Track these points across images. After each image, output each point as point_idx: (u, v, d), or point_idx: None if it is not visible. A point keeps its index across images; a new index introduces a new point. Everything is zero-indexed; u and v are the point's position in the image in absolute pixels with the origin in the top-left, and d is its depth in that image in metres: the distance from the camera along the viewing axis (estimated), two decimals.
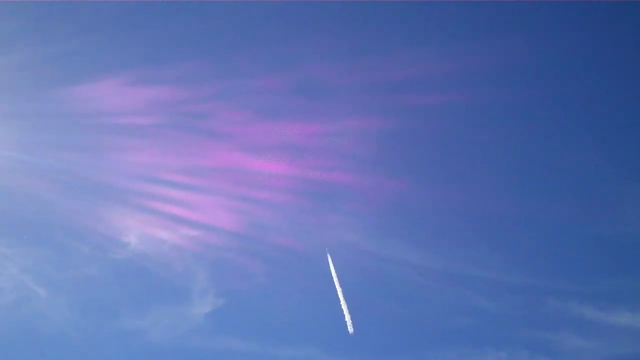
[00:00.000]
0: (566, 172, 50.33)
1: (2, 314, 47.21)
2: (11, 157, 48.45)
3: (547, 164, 50.66)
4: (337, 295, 46.87)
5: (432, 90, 49.78)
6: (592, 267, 48.42)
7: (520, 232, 50.39)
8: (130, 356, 47.59)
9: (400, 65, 49.17)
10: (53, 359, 46.84)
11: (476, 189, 50.94)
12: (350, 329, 45.45)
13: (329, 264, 47.96)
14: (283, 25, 50.18)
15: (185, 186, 50.04)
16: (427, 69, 49.07)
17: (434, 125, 50.87)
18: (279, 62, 50.01)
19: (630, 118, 49.61)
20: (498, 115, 51.08)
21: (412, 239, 50.85)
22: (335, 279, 47.44)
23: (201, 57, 49.75)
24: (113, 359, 47.38)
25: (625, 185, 48.89)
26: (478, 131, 50.97)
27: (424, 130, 51.10)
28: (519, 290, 48.24)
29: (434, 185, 51.44)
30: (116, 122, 49.48)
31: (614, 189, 49.17)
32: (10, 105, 48.16)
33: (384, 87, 50.29)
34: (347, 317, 45.85)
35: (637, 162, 48.80)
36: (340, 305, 46.50)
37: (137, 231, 49.71)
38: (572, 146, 50.41)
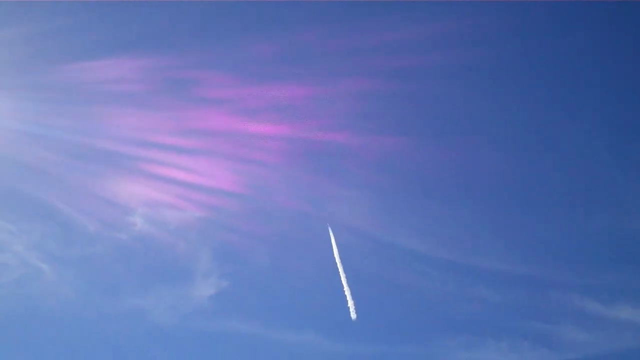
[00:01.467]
0: (571, 165, 50.41)
1: (7, 291, 47.49)
2: (14, 129, 48.29)
3: (552, 157, 50.62)
4: (341, 280, 46.95)
5: (428, 51, 49.56)
6: (595, 261, 48.50)
7: (524, 223, 50.48)
8: (132, 335, 48.05)
9: (392, 26, 48.92)
10: (57, 336, 47.36)
11: (481, 180, 51.03)
12: (353, 314, 45.61)
13: (331, 243, 47.98)
14: None
15: (184, 150, 50.36)
16: (421, 29, 48.78)
17: (433, 89, 50.85)
18: (269, 26, 49.91)
19: (634, 110, 49.46)
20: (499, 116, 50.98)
21: (415, 226, 50.98)
22: (336, 256, 47.46)
23: (190, 24, 50.01)
24: (116, 338, 47.70)
25: (630, 179, 48.95)
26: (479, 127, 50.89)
27: (421, 96, 51.14)
28: (522, 282, 48.43)
29: (437, 174, 51.41)
30: (113, 90, 49.34)
31: (619, 183, 49.18)
32: (10, 78, 48.05)
33: (378, 49, 49.83)
34: (350, 303, 45.99)
35: None
36: (344, 290, 46.59)
37: (142, 211, 49.81)
38: (576, 140, 50.41)
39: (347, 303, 46.15)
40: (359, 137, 50.96)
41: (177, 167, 50.00)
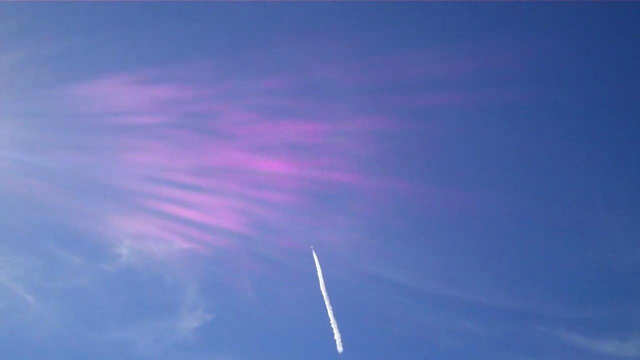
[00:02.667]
0: (557, 199, 50.57)
1: None
2: (8, 158, 48.35)
3: (538, 192, 50.92)
4: (327, 313, 46.82)
5: (437, 91, 49.83)
6: (581, 294, 48.47)
7: (510, 257, 50.49)
8: None
9: (404, 66, 49.41)
10: None
11: (467, 213, 51.17)
12: (340, 347, 45.40)
13: (318, 276, 47.95)
14: (289, 25, 49.97)
15: (189, 186, 50.15)
16: (430, 70, 49.17)
17: (435, 128, 50.97)
18: (285, 63, 50.06)
19: (623, 145, 49.97)
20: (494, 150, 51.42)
21: (399, 258, 50.94)
22: (323, 289, 47.39)
23: (207, 57, 49.72)
24: None
25: (615, 213, 49.10)
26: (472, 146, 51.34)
27: (422, 134, 51.21)
28: (508, 315, 48.40)
29: (423, 206, 51.55)
30: (119, 122, 49.33)
31: (604, 217, 49.30)
32: (11, 104, 48.03)
33: (389, 88, 50.39)
34: (337, 336, 45.79)
35: (627, 189, 48.99)
36: (330, 323, 46.45)
37: (129, 243, 49.80)
38: (562, 175, 50.76)
39: (333, 336, 46.01)
40: (364, 177, 51.35)
41: (168, 201, 50.01)
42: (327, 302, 47.18)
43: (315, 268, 48.19)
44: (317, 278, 47.98)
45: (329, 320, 46.60)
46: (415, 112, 50.34)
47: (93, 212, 50.24)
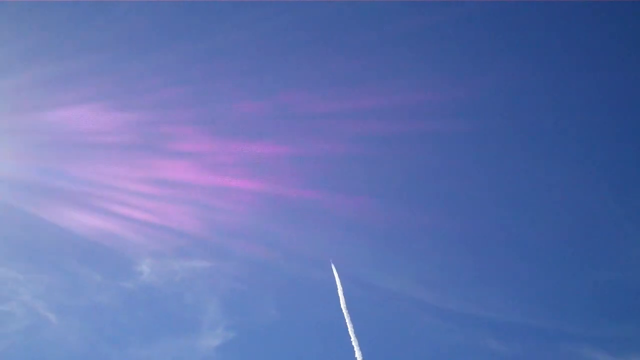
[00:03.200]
0: (582, 218, 50.39)
1: (14, 340, 47.31)
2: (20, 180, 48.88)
3: (562, 211, 50.77)
4: (348, 330, 46.42)
5: (402, 118, 50.77)
6: (605, 312, 48.06)
7: (534, 275, 50.22)
8: None
9: (369, 94, 50.08)
10: None
11: (493, 232, 51.08)
12: None
13: (338, 295, 47.65)
14: (261, 54, 50.73)
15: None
16: (397, 99, 49.77)
17: (424, 153, 51.80)
18: (254, 89, 51.02)
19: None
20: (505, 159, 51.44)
21: (421, 277, 50.80)
22: (341, 300, 47.06)
23: (175, 85, 50.50)
24: None
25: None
26: (482, 169, 51.51)
27: (411, 159, 51.94)
28: (532, 333, 47.95)
29: (446, 225, 51.45)
30: (91, 141, 50.04)
31: (629, 235, 48.99)
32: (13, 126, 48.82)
33: (355, 115, 50.81)
34: (358, 354, 45.34)
35: None
36: (351, 341, 46.05)
37: (150, 261, 49.96)
38: (584, 193, 50.52)
39: (354, 354, 45.59)
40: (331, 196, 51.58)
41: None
42: (347, 320, 46.85)
43: (336, 286, 47.98)
44: (338, 295, 47.73)
45: (350, 338, 46.26)
46: (377, 138, 51.25)
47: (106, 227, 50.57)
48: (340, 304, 47.30)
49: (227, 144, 51.33)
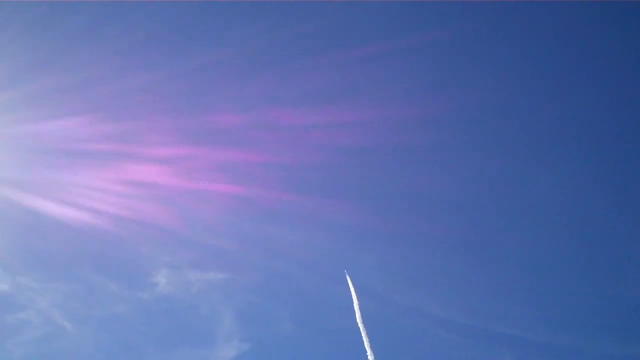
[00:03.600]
0: (600, 236, 50.42)
1: (30, 348, 47.50)
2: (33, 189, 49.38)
3: (580, 229, 50.83)
4: (363, 343, 46.36)
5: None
6: (622, 331, 47.75)
7: (552, 292, 50.11)
8: None
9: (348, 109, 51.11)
10: None
11: (510, 247, 51.05)
12: None
13: (354, 308, 47.62)
14: (242, 68, 51.36)
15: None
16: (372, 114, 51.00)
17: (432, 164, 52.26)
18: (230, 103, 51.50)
19: None
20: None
21: (438, 291, 50.80)
22: (357, 313, 46.99)
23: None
24: None
25: None
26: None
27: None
28: (550, 351, 47.57)
29: (463, 241, 51.52)
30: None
31: None
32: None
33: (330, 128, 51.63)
34: None
35: None
36: (367, 355, 46.00)
37: (166, 272, 50.22)
38: (599, 208, 50.53)
39: None
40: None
41: None
42: (363, 334, 46.81)
43: (352, 299, 47.96)
44: (353, 308, 47.73)
45: (366, 352, 46.21)
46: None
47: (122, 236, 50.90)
48: (355, 317, 47.34)
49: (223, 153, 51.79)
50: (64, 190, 49.60)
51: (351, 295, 47.91)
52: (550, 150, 51.82)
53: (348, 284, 48.01)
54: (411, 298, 50.31)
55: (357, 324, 47.18)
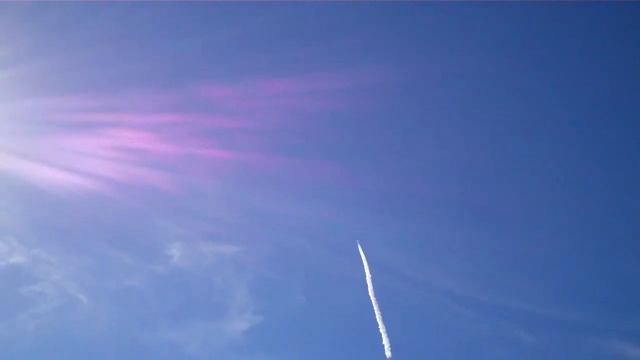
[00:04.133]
0: (613, 212, 50.31)
1: (45, 320, 47.87)
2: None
3: (595, 200, 50.67)
4: (375, 318, 46.59)
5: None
6: (634, 305, 47.66)
7: (564, 266, 50.13)
8: None
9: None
10: None
11: (521, 222, 51.13)
12: (388, 353, 45.01)
13: (366, 282, 47.82)
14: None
15: None
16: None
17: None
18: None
19: None
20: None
21: (450, 266, 50.84)
22: (369, 287, 47.21)
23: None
24: None
25: None
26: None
27: None
28: (560, 325, 47.78)
29: (478, 214, 51.50)
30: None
31: None
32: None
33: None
34: (385, 341, 45.48)
35: None
36: (379, 328, 46.21)
37: (180, 244, 50.45)
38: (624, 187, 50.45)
39: (382, 341, 45.74)
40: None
41: None
42: (375, 307, 47.02)
43: (364, 272, 48.11)
44: (365, 282, 47.88)
45: (378, 325, 46.42)
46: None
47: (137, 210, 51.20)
48: (368, 291, 47.54)
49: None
50: (73, 160, 50.15)
51: (363, 269, 48.12)
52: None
53: (361, 257, 48.20)
54: (424, 272, 50.41)
55: (370, 298, 47.46)
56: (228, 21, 51.47)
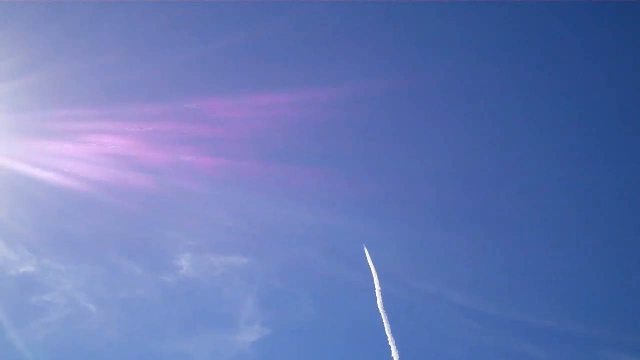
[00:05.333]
0: (621, 227, 50.11)
1: (54, 329, 48.00)
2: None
3: (607, 216, 50.62)
4: (385, 330, 46.41)
5: None
6: None
7: (574, 280, 49.90)
8: None
9: None
10: None
11: (529, 236, 51.04)
12: None
13: (375, 295, 47.67)
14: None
15: None
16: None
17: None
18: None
19: None
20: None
21: (458, 279, 50.69)
22: (379, 299, 47.06)
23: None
24: None
25: None
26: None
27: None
28: (570, 340, 47.41)
29: (484, 228, 51.47)
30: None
31: None
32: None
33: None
34: (395, 354, 45.27)
35: None
36: (388, 341, 46.03)
37: (189, 255, 50.61)
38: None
39: (391, 354, 45.55)
40: None
41: None
42: (385, 319, 46.86)
43: (374, 284, 48.02)
44: (375, 295, 47.74)
45: (387, 337, 46.23)
46: None
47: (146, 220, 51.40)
48: (377, 301, 47.46)
49: None
50: (83, 169, 50.39)
51: (372, 279, 48.02)
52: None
53: (369, 265, 48.14)
54: (433, 283, 50.37)
55: (379, 310, 47.34)
56: (217, 33, 51.98)
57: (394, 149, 53.13)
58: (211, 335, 48.95)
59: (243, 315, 49.20)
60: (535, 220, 51.35)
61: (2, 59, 48.38)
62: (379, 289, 47.60)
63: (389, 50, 52.18)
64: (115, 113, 50.93)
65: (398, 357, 45.19)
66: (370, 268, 48.27)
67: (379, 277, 48.00)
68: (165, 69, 51.92)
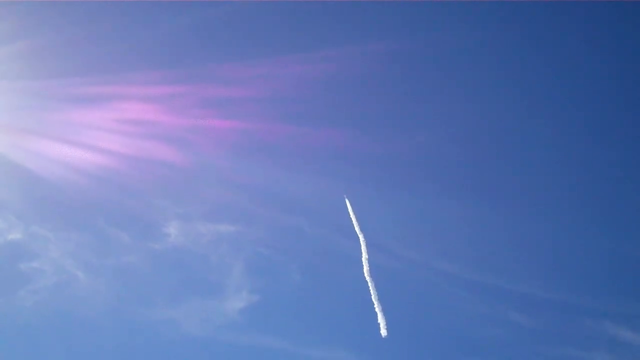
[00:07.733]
0: (610, 192, 50.30)
1: (42, 296, 48.18)
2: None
3: (591, 185, 50.91)
4: (371, 297, 46.81)
5: None
6: (629, 289, 48.04)
7: (560, 249, 50.23)
8: (162, 345, 48.30)
9: None
10: (89, 343, 47.77)
11: (518, 204, 51.18)
12: (384, 331, 45.33)
13: (362, 262, 47.97)
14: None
15: None
16: None
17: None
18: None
19: None
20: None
21: (445, 247, 51.00)
22: (365, 266, 47.45)
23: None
24: (147, 347, 48.29)
25: None
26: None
27: None
28: (554, 307, 48.08)
29: (475, 194, 51.60)
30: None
31: None
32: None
33: None
34: (381, 320, 45.75)
35: None
36: (374, 307, 46.45)
37: (177, 223, 50.60)
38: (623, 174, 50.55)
39: (377, 320, 46.00)
40: None
41: None
42: (371, 286, 47.20)
43: (361, 252, 48.27)
44: (362, 263, 48.02)
45: (373, 304, 46.64)
46: None
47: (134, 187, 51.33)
48: (363, 270, 47.74)
49: None
50: (71, 134, 50.22)
51: (361, 250, 48.27)
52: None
53: (352, 222, 48.28)
54: (420, 251, 50.55)
55: (365, 277, 47.67)
56: None
57: (390, 114, 53.04)
58: (199, 302, 49.40)
59: (231, 282, 49.56)
60: (524, 190, 51.56)
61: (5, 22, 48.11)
62: (366, 256, 47.89)
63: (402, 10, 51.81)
64: (113, 78, 50.96)
65: (384, 323, 45.69)
66: (352, 221, 48.47)
67: (366, 245, 48.31)
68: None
